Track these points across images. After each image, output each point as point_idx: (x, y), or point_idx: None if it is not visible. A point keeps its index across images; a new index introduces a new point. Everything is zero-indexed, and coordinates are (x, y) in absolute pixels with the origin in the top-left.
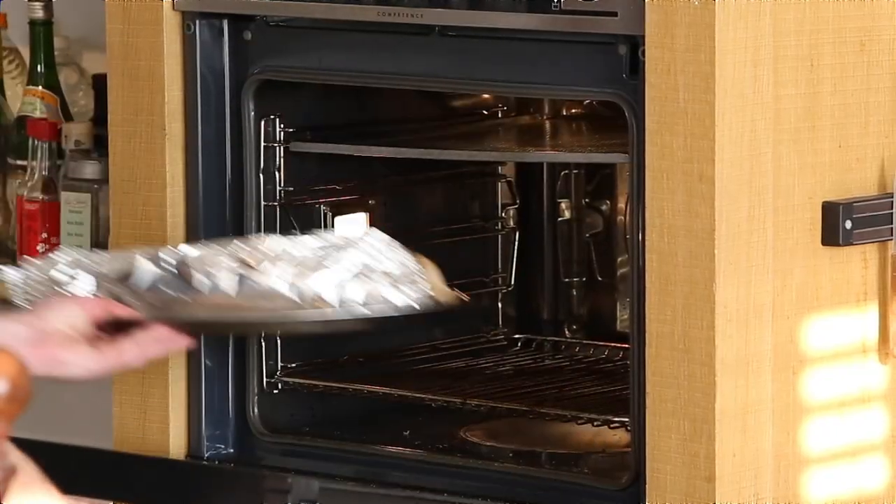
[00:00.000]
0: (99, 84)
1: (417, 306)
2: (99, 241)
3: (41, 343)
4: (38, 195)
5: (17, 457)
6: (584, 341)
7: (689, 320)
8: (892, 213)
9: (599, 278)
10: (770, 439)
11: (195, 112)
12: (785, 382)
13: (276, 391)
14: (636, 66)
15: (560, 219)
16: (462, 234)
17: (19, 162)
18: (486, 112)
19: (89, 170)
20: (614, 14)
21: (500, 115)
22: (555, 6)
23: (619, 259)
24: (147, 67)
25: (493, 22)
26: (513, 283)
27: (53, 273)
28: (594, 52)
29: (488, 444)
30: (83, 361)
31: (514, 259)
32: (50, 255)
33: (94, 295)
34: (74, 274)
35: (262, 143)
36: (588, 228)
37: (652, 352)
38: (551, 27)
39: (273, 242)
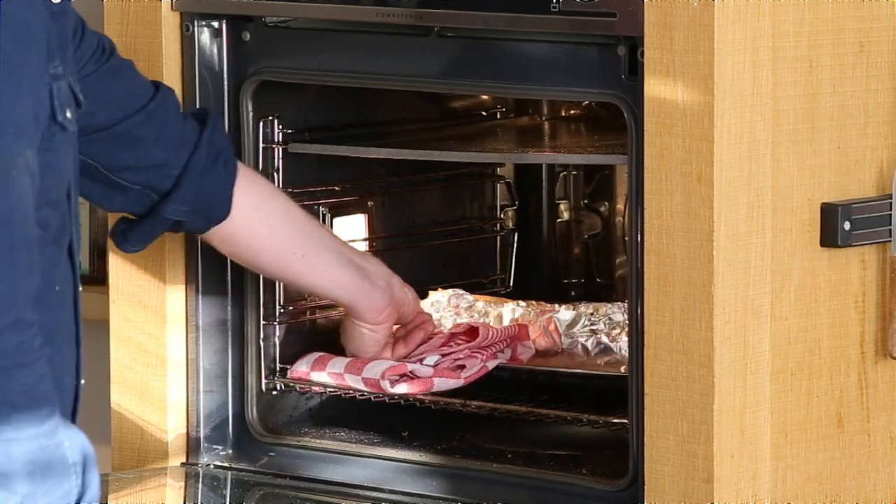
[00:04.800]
0: None
1: None
2: (97, 242)
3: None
4: None
5: None
6: None
7: (687, 321)
8: (890, 215)
9: (598, 279)
10: (768, 440)
11: None
12: (783, 384)
13: (274, 392)
14: (635, 67)
15: (559, 220)
16: (461, 235)
17: None
18: (484, 113)
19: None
20: (613, 15)
21: (498, 117)
22: (554, 7)
23: (618, 260)
24: (146, 68)
25: (492, 23)
26: (511, 284)
27: None
28: (593, 53)
29: (487, 445)
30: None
31: (513, 260)
32: None
33: None
34: None
35: (261, 144)
36: (587, 229)
37: (650, 353)
38: (550, 28)
39: None
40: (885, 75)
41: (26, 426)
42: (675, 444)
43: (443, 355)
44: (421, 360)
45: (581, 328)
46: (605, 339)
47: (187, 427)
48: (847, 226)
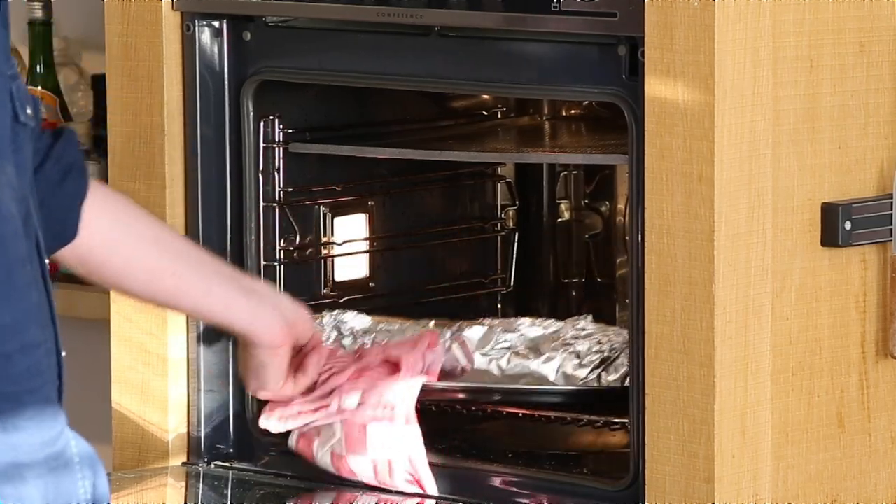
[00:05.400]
0: (98, 84)
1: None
2: None
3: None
4: None
5: None
6: None
7: (688, 321)
8: (891, 215)
9: (599, 279)
10: (769, 440)
11: (194, 112)
12: (784, 384)
13: None
14: (636, 67)
15: (559, 220)
16: (461, 235)
17: None
18: (485, 113)
19: (89, 170)
20: (614, 15)
21: (499, 116)
22: (554, 6)
23: (619, 260)
24: (146, 68)
25: (492, 22)
26: (512, 284)
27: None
28: (594, 53)
29: (487, 445)
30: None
31: (514, 260)
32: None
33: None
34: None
35: (262, 144)
36: (587, 229)
37: (651, 353)
38: (551, 28)
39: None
40: (886, 75)
41: (37, 450)
42: (675, 444)
43: (364, 391)
44: (339, 398)
45: (494, 347)
46: (520, 358)
47: (188, 426)
48: (848, 225)
